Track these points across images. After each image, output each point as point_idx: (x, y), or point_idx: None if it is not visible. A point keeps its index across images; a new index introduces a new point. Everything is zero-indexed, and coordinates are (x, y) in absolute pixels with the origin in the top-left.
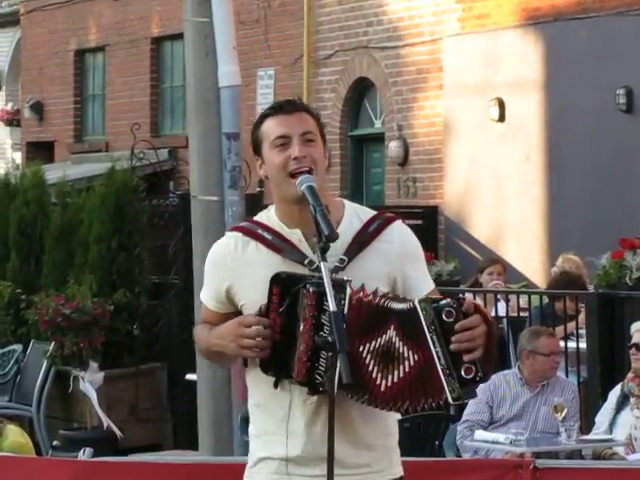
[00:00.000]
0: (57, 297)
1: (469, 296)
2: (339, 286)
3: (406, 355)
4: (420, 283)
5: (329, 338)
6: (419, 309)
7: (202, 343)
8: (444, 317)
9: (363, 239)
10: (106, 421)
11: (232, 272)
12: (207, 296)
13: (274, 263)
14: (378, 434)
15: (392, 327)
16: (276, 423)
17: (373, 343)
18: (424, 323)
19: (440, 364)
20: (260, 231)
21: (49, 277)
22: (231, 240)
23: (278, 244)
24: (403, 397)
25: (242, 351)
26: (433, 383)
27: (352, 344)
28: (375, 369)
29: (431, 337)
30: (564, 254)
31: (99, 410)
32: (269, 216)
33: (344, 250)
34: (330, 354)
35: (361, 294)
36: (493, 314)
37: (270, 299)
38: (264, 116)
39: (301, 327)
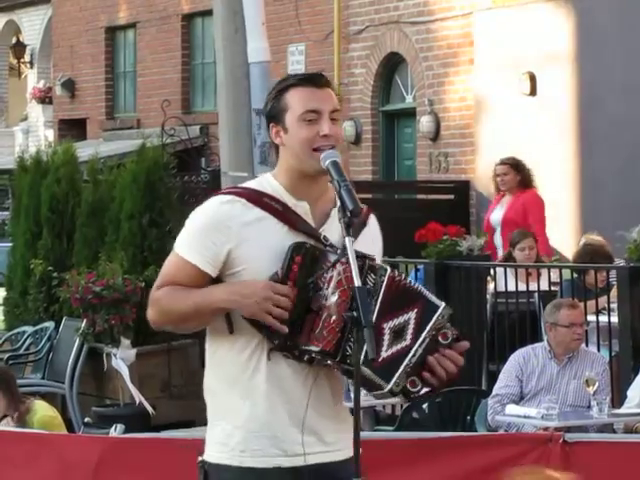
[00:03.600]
0: (88, 274)
1: (466, 343)
2: (379, 264)
3: (406, 337)
4: None
5: (354, 313)
6: (439, 311)
7: (179, 302)
8: (439, 336)
9: (361, 220)
10: (138, 397)
11: (236, 236)
12: (199, 257)
13: (281, 232)
14: (345, 410)
15: (415, 310)
16: (256, 398)
17: (395, 321)
18: (431, 323)
19: (409, 360)
20: (267, 200)
21: (80, 254)
22: (236, 204)
23: (288, 215)
24: (380, 369)
25: (263, 315)
26: (394, 368)
27: (378, 320)
28: (386, 344)
29: (424, 337)
30: (587, 234)
31: (131, 387)
32: (272, 185)
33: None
34: (356, 329)
35: (396, 274)
36: (523, 288)
37: (290, 267)
38: (290, 85)
39: (335, 298)
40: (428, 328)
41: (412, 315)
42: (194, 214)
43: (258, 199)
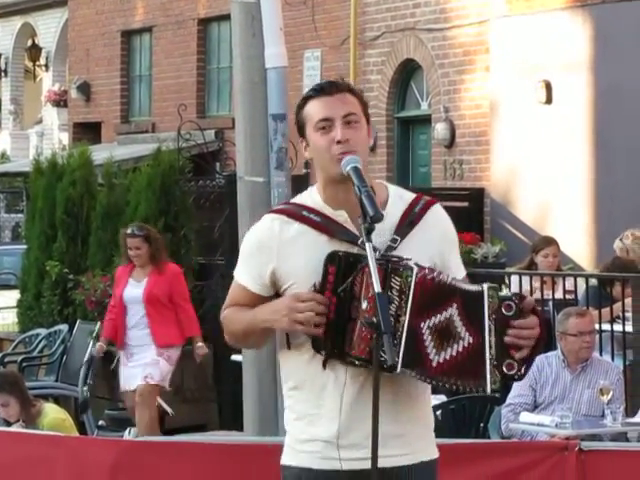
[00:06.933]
0: (103, 277)
1: (531, 298)
2: (405, 265)
3: (462, 335)
4: (456, 269)
5: (374, 319)
6: (486, 295)
7: (236, 323)
8: (503, 309)
9: (412, 219)
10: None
11: (277, 254)
12: (248, 279)
13: (322, 243)
14: (419, 413)
15: (455, 305)
16: (319, 403)
17: (433, 319)
18: (486, 310)
19: (490, 353)
20: (306, 213)
21: (95, 257)
22: (275, 222)
23: (327, 225)
24: (450, 375)
25: (295, 326)
26: (477, 369)
27: (414, 320)
28: (430, 344)
29: (488, 325)
30: (632, 230)
31: None
32: (313, 198)
33: (394, 229)
34: (375, 335)
35: (426, 271)
36: (538, 296)
37: (325, 277)
38: (306, 98)
39: (364, 305)
40: (486, 316)
41: (453, 312)
42: (244, 238)
43: (297, 213)
